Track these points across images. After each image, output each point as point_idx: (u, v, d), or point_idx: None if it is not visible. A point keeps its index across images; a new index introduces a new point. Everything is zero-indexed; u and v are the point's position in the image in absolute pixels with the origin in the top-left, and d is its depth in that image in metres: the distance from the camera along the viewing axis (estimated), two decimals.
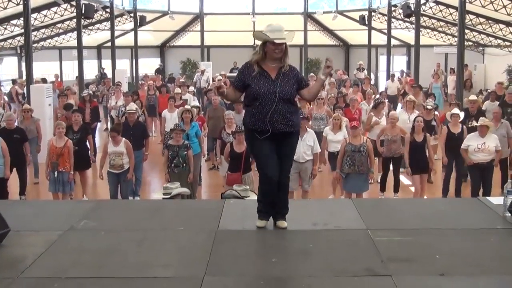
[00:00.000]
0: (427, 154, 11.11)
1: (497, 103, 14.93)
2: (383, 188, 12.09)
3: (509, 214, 5.35)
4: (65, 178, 11.00)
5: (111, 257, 4.66)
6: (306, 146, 10.68)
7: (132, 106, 13.20)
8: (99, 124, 17.82)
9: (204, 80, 24.93)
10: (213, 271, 4.35)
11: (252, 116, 5.08)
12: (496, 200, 5.97)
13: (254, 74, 5.06)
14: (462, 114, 12.17)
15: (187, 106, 13.20)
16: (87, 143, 12.51)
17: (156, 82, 23.42)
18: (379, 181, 12.36)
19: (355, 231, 5.21)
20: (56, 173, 10.92)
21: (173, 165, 10.70)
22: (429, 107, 13.31)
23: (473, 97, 13.89)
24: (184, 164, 10.71)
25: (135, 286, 4.17)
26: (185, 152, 10.77)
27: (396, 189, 11.97)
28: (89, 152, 12.86)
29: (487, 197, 6.45)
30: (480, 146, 10.66)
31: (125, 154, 10.82)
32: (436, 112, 13.97)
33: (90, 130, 13.33)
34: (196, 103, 14.87)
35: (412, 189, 11.76)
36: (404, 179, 12.51)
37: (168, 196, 7.98)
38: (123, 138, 10.97)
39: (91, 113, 15.76)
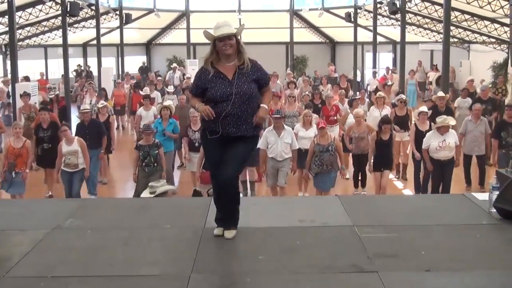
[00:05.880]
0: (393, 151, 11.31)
1: (469, 99, 15.32)
2: (356, 185, 12.21)
3: (495, 210, 5.38)
4: (19, 179, 10.65)
5: (98, 255, 4.65)
6: (284, 144, 10.60)
7: (86, 105, 13.19)
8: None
9: (177, 78, 25.20)
10: (200, 268, 4.35)
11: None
12: (481, 196, 6.02)
13: (210, 77, 4.79)
14: (429, 112, 12.16)
15: (166, 103, 13.26)
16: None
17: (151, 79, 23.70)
18: (348, 177, 12.52)
19: (342, 227, 5.22)
20: (13, 173, 10.57)
21: (144, 164, 10.53)
22: (403, 97, 13.66)
23: (441, 93, 14.09)
24: (156, 164, 10.56)
25: (122, 285, 4.16)
26: (156, 151, 10.61)
27: (363, 184, 12.12)
28: None
29: (473, 193, 6.48)
30: (441, 144, 10.64)
31: (80, 152, 10.64)
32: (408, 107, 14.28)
33: (59, 126, 12.54)
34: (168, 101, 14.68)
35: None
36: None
37: (153, 195, 7.96)
38: (76, 137, 10.80)
39: (59, 113, 15.56)
